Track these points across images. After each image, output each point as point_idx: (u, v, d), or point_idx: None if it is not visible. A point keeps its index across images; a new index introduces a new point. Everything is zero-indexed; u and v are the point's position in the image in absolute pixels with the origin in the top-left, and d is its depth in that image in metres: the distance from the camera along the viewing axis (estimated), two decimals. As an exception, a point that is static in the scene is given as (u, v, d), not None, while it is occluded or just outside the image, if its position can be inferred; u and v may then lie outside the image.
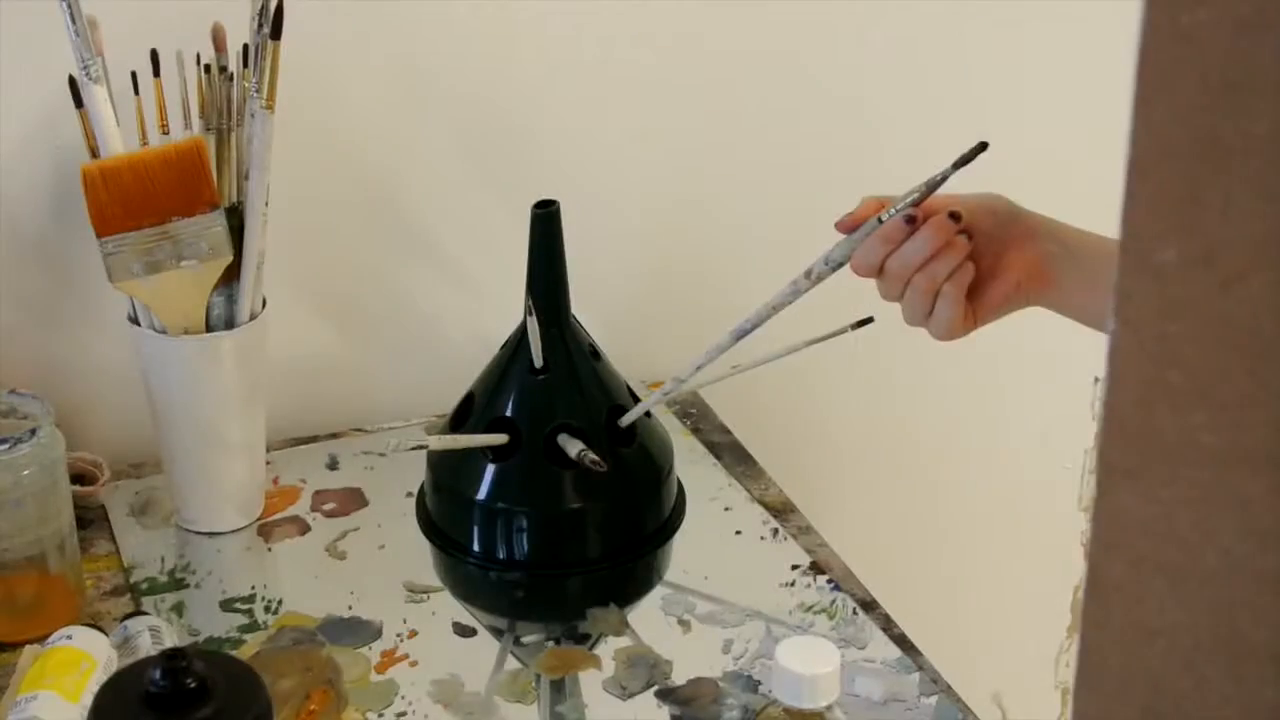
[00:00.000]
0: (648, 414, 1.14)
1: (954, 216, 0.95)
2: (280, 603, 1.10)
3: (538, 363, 1.09)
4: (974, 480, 1.56)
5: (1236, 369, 0.40)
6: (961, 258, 0.96)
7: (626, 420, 1.10)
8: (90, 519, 1.17)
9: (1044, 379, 1.49)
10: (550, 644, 1.07)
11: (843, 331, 1.09)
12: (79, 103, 1.08)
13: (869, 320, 1.07)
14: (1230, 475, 0.41)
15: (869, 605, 1.10)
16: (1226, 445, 0.41)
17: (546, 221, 1.09)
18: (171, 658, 0.78)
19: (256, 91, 1.08)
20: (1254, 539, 0.41)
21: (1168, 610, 0.44)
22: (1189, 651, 0.43)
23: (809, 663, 0.86)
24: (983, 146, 0.92)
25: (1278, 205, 0.38)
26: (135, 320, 1.12)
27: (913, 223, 0.96)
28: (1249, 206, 0.39)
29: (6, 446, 1.02)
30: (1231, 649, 0.42)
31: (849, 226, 0.98)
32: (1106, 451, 0.45)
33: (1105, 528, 0.46)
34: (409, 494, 1.18)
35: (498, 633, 1.10)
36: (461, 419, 1.12)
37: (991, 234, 0.97)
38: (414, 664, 1.05)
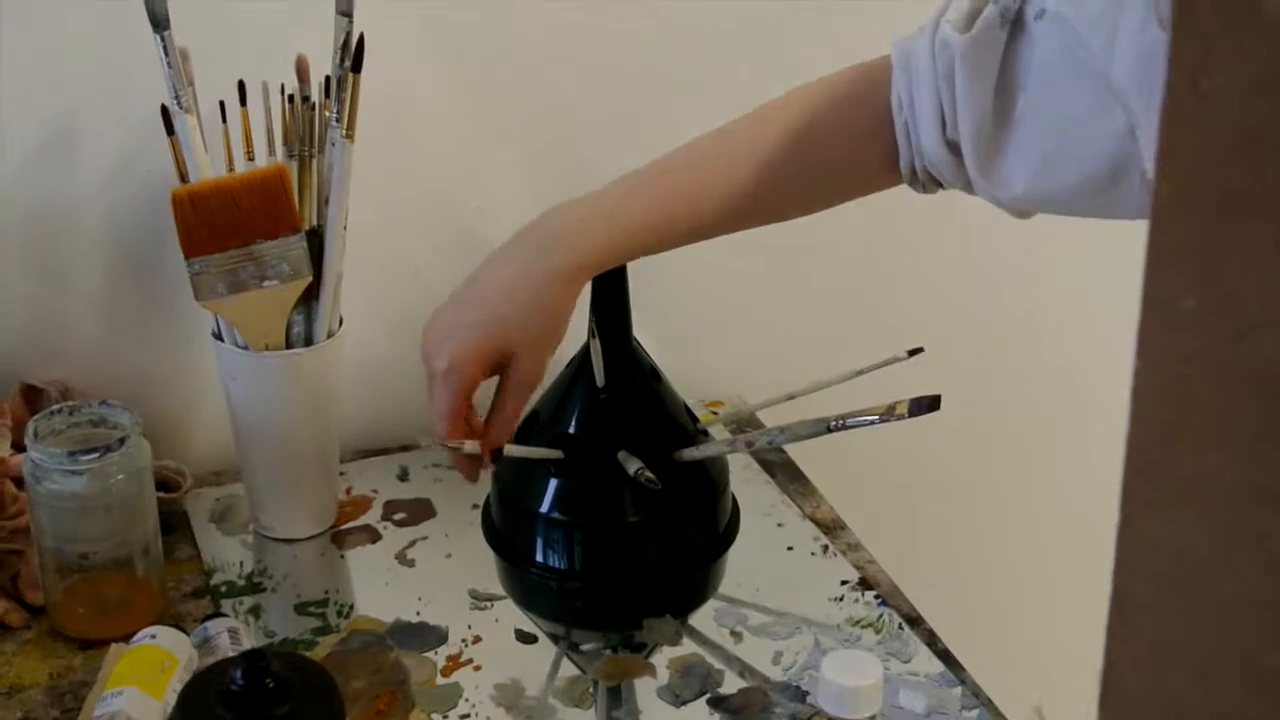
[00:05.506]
0: (705, 432, 1.17)
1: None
2: (352, 607, 1.14)
3: (600, 383, 1.11)
4: (1020, 499, 1.59)
5: (1253, 411, 0.42)
6: None
7: (688, 456, 1.12)
8: (173, 524, 1.20)
9: (1094, 403, 1.52)
10: (608, 652, 1.10)
11: (895, 360, 1.12)
12: (170, 130, 1.12)
13: (920, 350, 1.11)
14: (1250, 511, 0.42)
15: (914, 620, 1.14)
16: (1246, 482, 0.42)
17: (611, 248, 1.12)
18: (251, 658, 0.82)
19: (337, 121, 1.13)
20: (1271, 569, 0.42)
21: (1188, 633, 0.45)
22: (1208, 673, 0.45)
23: (853, 675, 0.89)
24: (936, 401, 0.98)
25: (1294, 258, 0.40)
26: (219, 336, 1.16)
27: None
28: (1266, 259, 0.40)
29: (97, 455, 1.06)
30: (1248, 671, 0.44)
31: None
32: (1130, 486, 0.46)
33: (1128, 554, 0.48)
34: (475, 505, 1.20)
35: (557, 640, 1.12)
36: (526, 435, 1.14)
37: None
38: (478, 668, 1.08)
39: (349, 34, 1.11)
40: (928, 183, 1.04)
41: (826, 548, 1.22)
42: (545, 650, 1.11)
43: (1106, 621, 0.48)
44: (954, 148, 1.00)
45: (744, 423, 1.34)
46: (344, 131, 1.13)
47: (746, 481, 1.28)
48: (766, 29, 1.34)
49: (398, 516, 1.25)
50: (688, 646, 1.11)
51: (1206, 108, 0.41)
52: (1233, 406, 0.42)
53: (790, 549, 1.22)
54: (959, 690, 1.07)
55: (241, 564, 1.19)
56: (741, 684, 1.07)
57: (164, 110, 1.12)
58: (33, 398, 1.21)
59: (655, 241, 1.06)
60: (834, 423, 1.03)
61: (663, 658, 1.09)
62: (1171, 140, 0.42)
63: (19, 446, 1.14)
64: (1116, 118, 0.90)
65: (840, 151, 1.05)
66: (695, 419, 1.16)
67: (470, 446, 1.07)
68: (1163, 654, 0.46)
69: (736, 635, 1.12)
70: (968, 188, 1.02)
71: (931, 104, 0.99)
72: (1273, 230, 0.40)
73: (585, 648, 1.11)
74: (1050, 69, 0.94)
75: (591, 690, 1.07)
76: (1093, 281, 1.45)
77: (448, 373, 1.05)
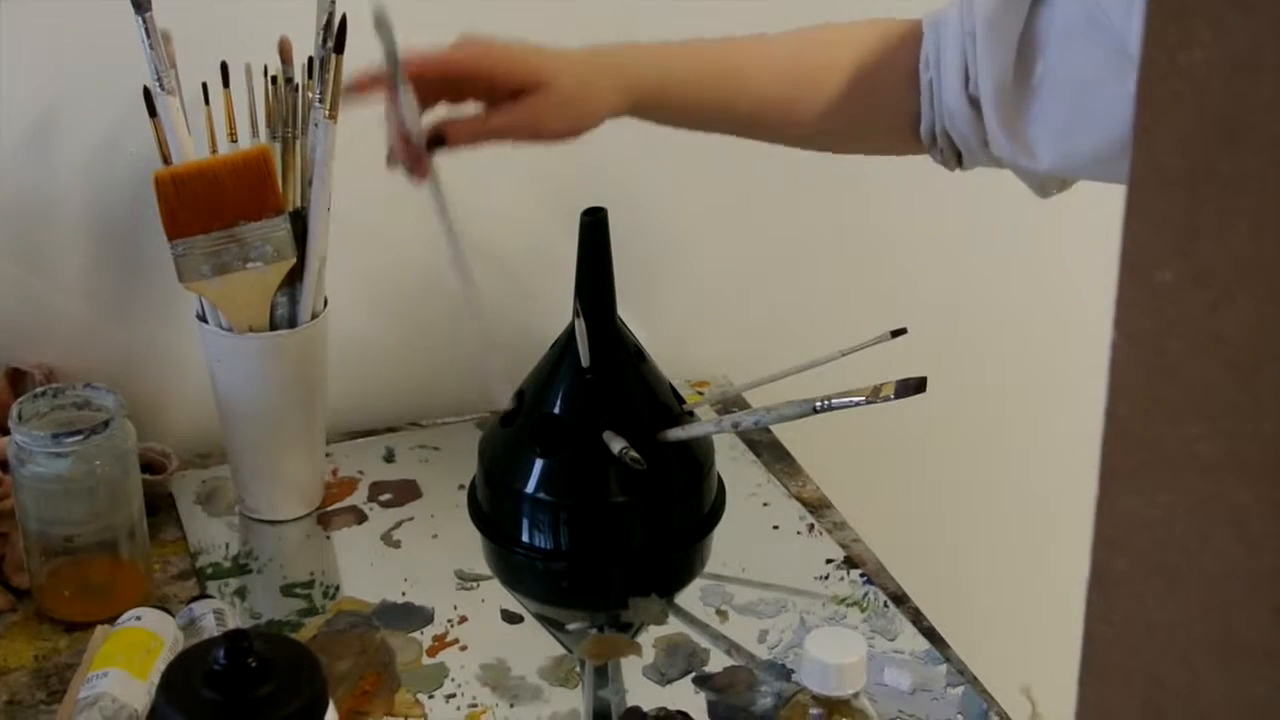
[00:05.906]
0: (690, 413, 1.17)
1: None
2: (338, 588, 1.14)
3: (585, 363, 1.11)
4: (1005, 477, 1.59)
5: (1229, 383, 0.42)
6: None
7: (673, 437, 1.12)
8: (159, 506, 1.21)
9: (1077, 382, 1.52)
10: (594, 631, 1.11)
11: (879, 340, 1.12)
12: (153, 112, 1.12)
13: (903, 331, 1.11)
14: (1224, 483, 0.43)
15: (900, 599, 1.14)
16: (1221, 455, 0.43)
17: (595, 228, 1.11)
18: (234, 639, 0.81)
19: (320, 102, 1.13)
20: (1246, 543, 0.42)
21: (1166, 608, 0.45)
22: (1185, 647, 0.45)
23: (836, 653, 0.89)
24: (921, 383, 0.99)
25: (1267, 232, 0.40)
26: (204, 318, 1.16)
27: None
28: (1240, 233, 0.41)
29: (81, 438, 1.06)
30: (1225, 646, 0.44)
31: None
32: (1108, 458, 0.46)
33: (1107, 528, 0.48)
34: (461, 486, 1.21)
35: (544, 620, 1.13)
36: (513, 415, 1.14)
37: None
38: (464, 648, 1.08)
39: (331, 15, 1.11)
40: (946, 149, 1.06)
41: (812, 526, 1.22)
42: (531, 630, 1.11)
43: (1086, 597, 0.48)
44: (975, 103, 1.02)
45: (730, 403, 1.34)
46: (327, 112, 1.13)
47: (732, 461, 1.29)
48: (768, 29, 1.34)
49: (384, 498, 1.25)
50: (673, 625, 1.11)
51: (1184, 83, 0.41)
52: (1207, 378, 0.42)
53: (776, 528, 1.22)
54: (944, 667, 1.07)
55: (227, 546, 1.19)
56: (727, 662, 1.08)
57: (146, 92, 1.12)
58: (17, 380, 1.21)
59: (683, 105, 1.08)
60: (820, 404, 1.03)
61: (649, 637, 1.10)
62: (1149, 114, 0.43)
63: (3, 429, 1.14)
64: (1134, 84, 0.91)
65: (873, 103, 1.08)
66: (681, 399, 1.17)
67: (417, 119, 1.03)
68: (1141, 628, 0.47)
69: (722, 614, 1.12)
70: (986, 153, 1.03)
71: (956, 59, 1.02)
72: (1248, 204, 0.41)
73: (572, 627, 1.12)
74: (1071, 34, 0.97)
75: (578, 669, 1.07)
76: (1076, 262, 1.45)
77: (479, 40, 1.03)
